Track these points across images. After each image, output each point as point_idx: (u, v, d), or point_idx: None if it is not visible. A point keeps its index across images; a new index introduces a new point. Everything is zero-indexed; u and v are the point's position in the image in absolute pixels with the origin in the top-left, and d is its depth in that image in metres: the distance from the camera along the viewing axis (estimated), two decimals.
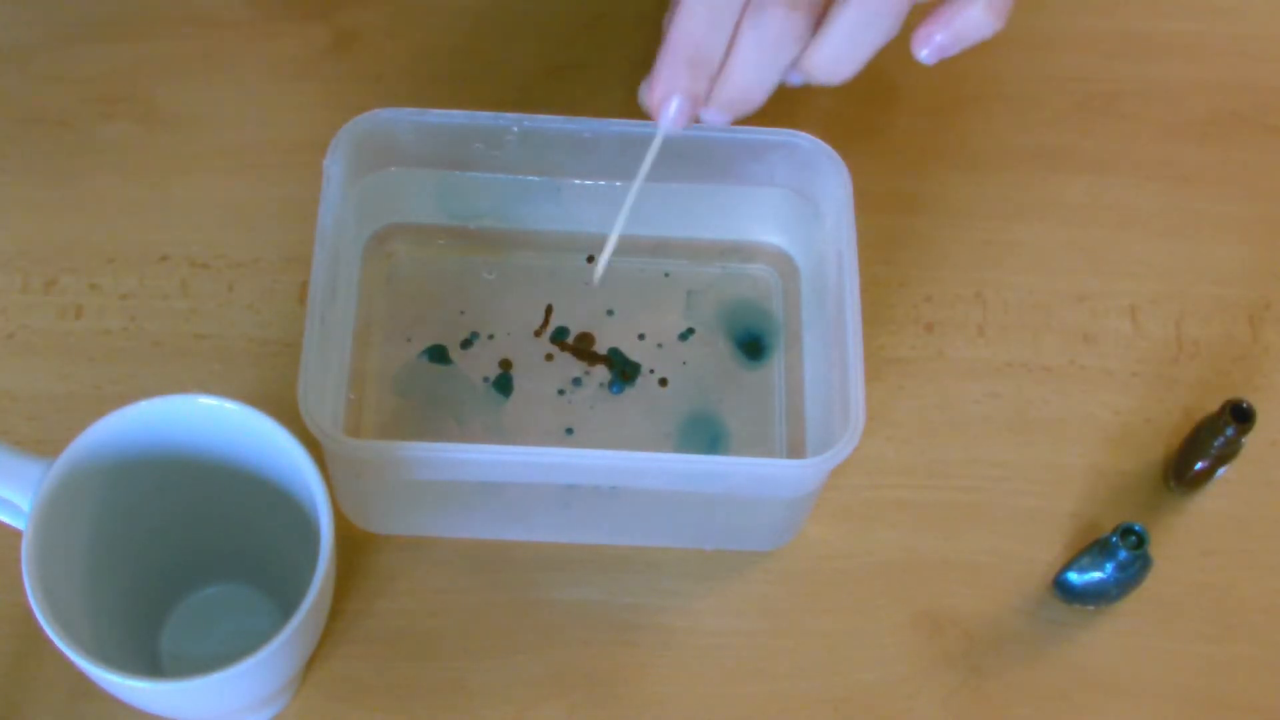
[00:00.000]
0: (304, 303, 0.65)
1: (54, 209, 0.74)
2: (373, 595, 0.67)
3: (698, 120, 0.57)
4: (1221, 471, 0.70)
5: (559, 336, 0.71)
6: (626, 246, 0.73)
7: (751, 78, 0.55)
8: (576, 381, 0.70)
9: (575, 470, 0.62)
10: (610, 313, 0.72)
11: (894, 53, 0.83)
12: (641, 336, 0.72)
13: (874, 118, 0.79)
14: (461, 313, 0.72)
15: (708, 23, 0.54)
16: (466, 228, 0.73)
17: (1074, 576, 0.67)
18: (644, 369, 0.71)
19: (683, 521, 0.67)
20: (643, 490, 0.64)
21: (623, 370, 0.70)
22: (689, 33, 0.54)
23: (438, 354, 0.71)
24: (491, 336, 0.71)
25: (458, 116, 0.68)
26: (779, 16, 0.53)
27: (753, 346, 0.72)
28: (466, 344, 0.71)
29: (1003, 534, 0.69)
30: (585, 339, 0.71)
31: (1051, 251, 0.77)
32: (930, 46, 0.56)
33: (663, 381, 0.71)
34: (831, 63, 0.54)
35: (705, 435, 0.70)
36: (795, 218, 0.72)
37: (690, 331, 0.72)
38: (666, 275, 0.73)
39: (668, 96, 0.56)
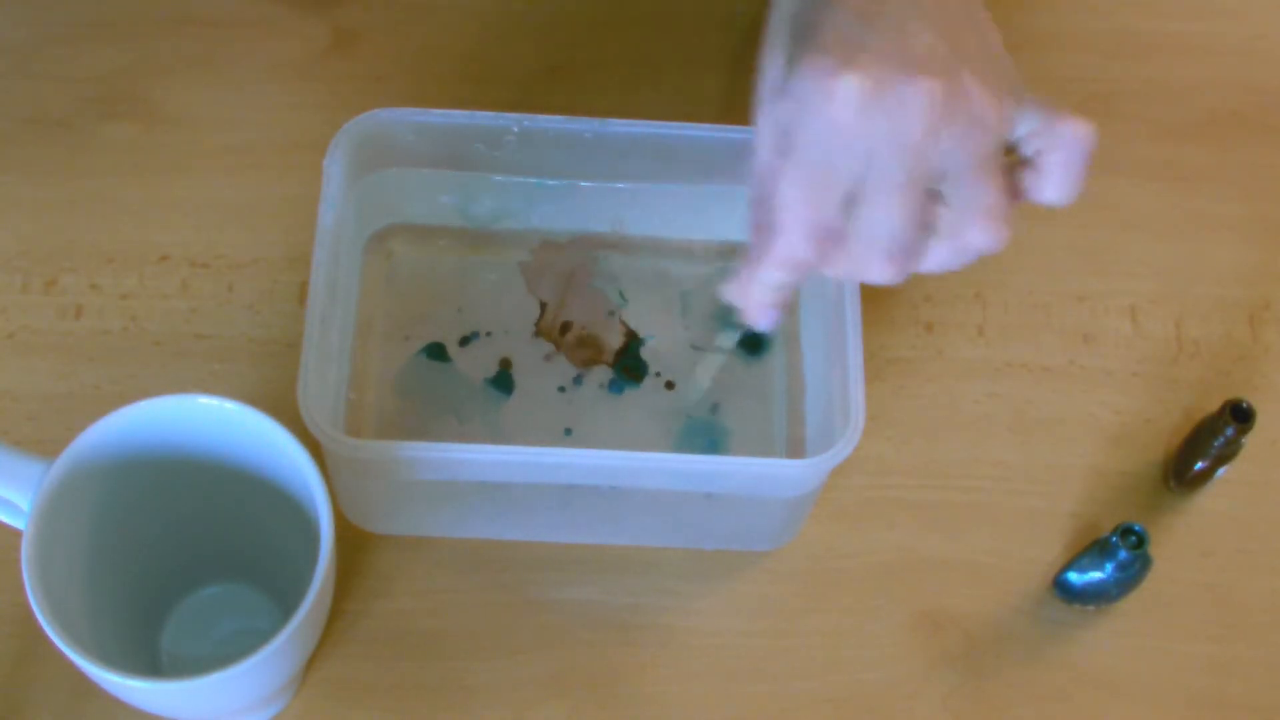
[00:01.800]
0: (304, 303, 0.65)
1: (54, 209, 0.74)
2: (372, 595, 0.67)
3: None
4: (1221, 471, 0.70)
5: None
6: (627, 246, 0.74)
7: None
8: (577, 380, 0.70)
9: (575, 470, 0.62)
10: (610, 313, 0.72)
11: None
12: (647, 339, 0.72)
13: None
14: (459, 310, 0.72)
15: (783, 279, 0.57)
16: (466, 228, 0.73)
17: (1074, 576, 0.67)
18: (645, 368, 0.71)
19: (683, 521, 0.67)
20: (643, 490, 0.64)
21: (625, 367, 0.70)
22: (766, 281, 0.58)
23: (436, 351, 0.71)
24: (489, 334, 0.71)
25: (458, 116, 0.68)
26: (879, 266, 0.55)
27: (754, 345, 0.72)
28: (465, 341, 0.71)
29: (1003, 534, 0.69)
30: (589, 340, 0.71)
31: (1051, 251, 0.77)
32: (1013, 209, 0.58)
33: (663, 382, 0.71)
34: (931, 272, 0.57)
35: (705, 435, 0.70)
36: None
37: (690, 332, 0.72)
38: (666, 275, 0.73)
39: (747, 309, 0.59)
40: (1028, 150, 0.56)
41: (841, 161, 0.54)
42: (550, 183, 0.71)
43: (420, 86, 0.78)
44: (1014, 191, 0.57)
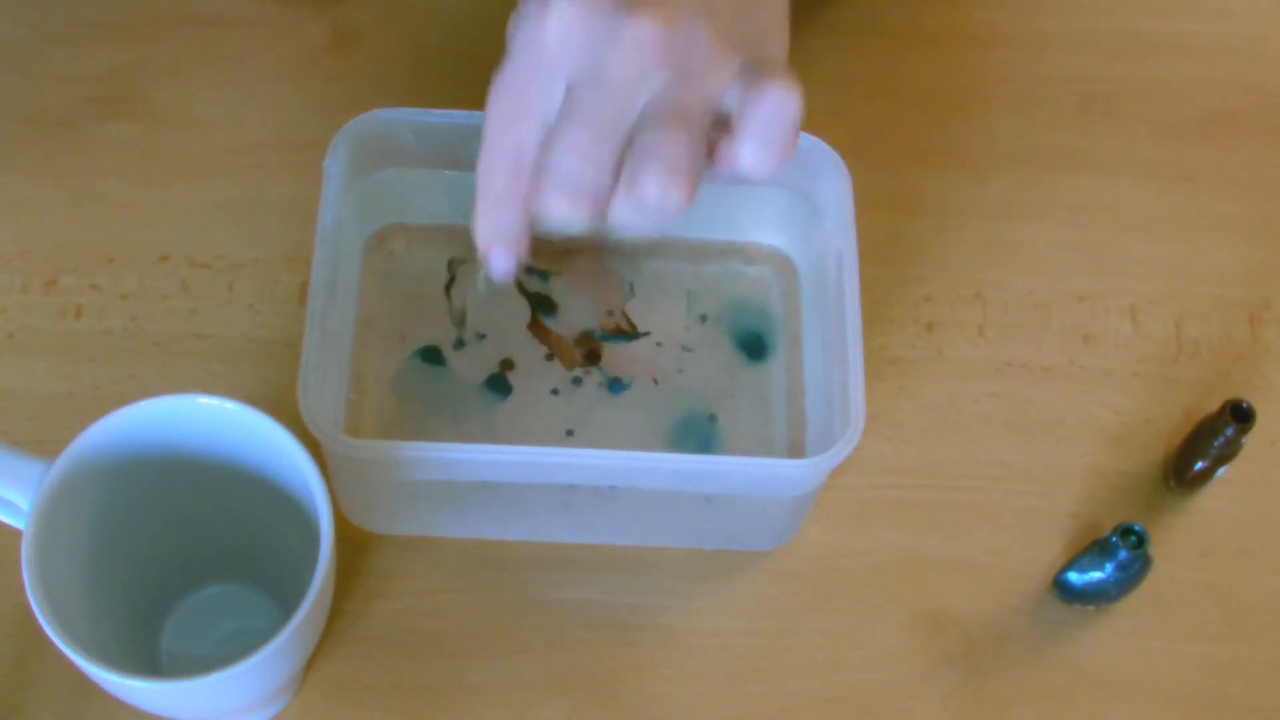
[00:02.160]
0: (304, 303, 0.65)
1: (54, 209, 0.74)
2: (372, 595, 0.67)
3: None
4: (1221, 471, 0.70)
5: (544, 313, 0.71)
6: (627, 246, 0.73)
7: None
8: (575, 381, 0.70)
9: (575, 470, 0.62)
10: (610, 314, 0.72)
11: (894, 52, 0.83)
12: (645, 334, 0.72)
13: (874, 118, 0.79)
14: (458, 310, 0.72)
15: (494, 211, 0.55)
16: (466, 228, 0.73)
17: (1074, 576, 0.67)
18: (644, 368, 0.71)
19: (683, 521, 0.67)
20: (643, 490, 0.64)
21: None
22: (482, 213, 0.55)
23: (433, 352, 0.71)
24: (489, 335, 0.71)
25: (458, 116, 0.68)
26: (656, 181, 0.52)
27: (754, 345, 0.72)
28: (461, 345, 0.71)
29: (1003, 534, 0.69)
30: (586, 339, 0.71)
31: (1051, 251, 0.77)
32: (717, 176, 0.54)
33: (660, 382, 0.71)
34: (621, 228, 0.54)
35: (705, 435, 0.70)
36: (795, 218, 0.72)
37: (691, 332, 0.72)
38: (667, 275, 0.73)
39: (485, 251, 0.56)
40: (731, 112, 0.53)
41: (538, 87, 0.52)
42: None
43: (420, 86, 0.78)
44: (712, 155, 0.53)
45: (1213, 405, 0.70)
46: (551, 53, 0.51)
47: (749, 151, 0.53)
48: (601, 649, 0.66)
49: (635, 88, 0.51)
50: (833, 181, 0.67)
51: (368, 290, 0.72)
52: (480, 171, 0.54)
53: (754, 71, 0.52)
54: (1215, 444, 0.68)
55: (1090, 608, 0.67)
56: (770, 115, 0.52)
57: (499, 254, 0.56)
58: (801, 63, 0.80)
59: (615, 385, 0.70)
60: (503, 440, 0.68)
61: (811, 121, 0.64)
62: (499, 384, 0.70)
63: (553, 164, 0.52)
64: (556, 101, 0.52)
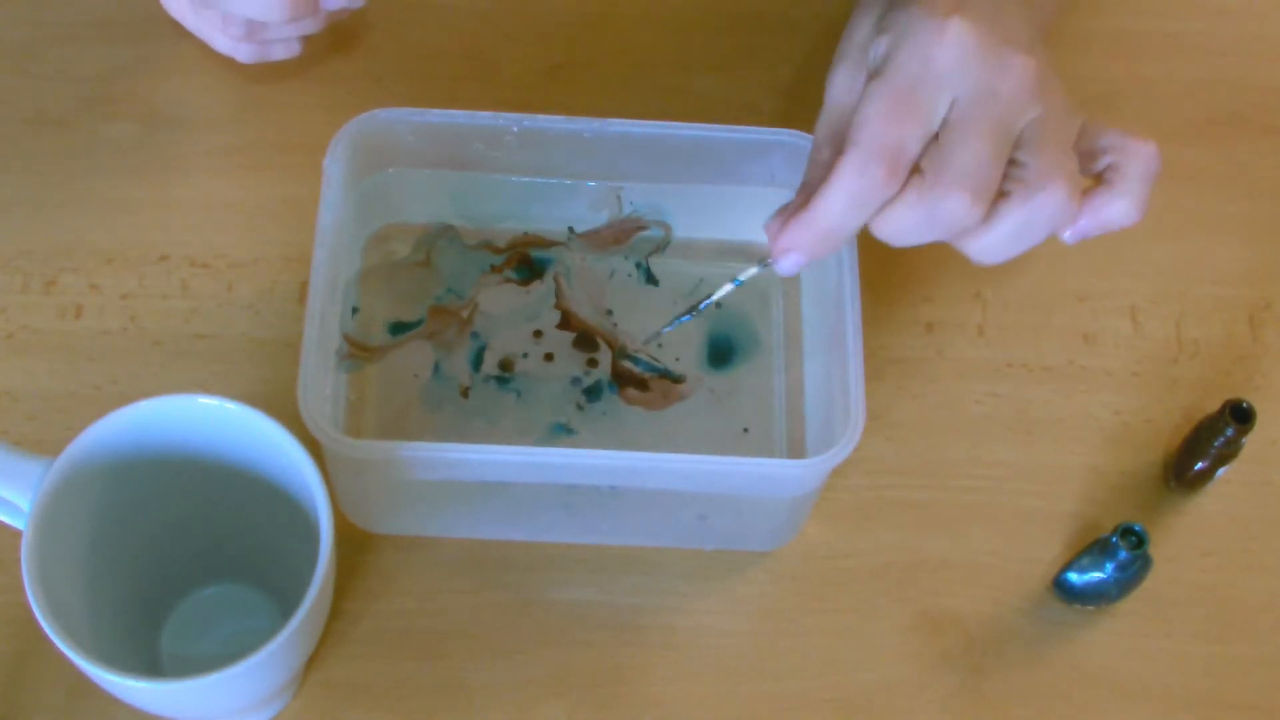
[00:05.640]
0: (304, 303, 0.65)
1: (54, 209, 0.74)
2: (372, 595, 0.67)
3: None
4: (1221, 471, 0.70)
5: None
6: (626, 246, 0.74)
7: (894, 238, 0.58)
8: (576, 381, 0.70)
9: (575, 470, 0.62)
10: (610, 312, 0.72)
11: None
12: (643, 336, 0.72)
13: None
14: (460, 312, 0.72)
15: (847, 211, 0.57)
16: (466, 228, 0.73)
17: (1074, 576, 0.67)
18: (643, 366, 0.71)
19: (683, 521, 0.67)
20: (643, 490, 0.64)
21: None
22: (828, 212, 0.57)
23: (435, 351, 0.71)
24: (489, 334, 0.71)
25: (458, 116, 0.68)
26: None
27: (755, 345, 0.71)
28: (463, 343, 0.71)
29: (1003, 534, 0.69)
30: (586, 337, 0.71)
31: (1051, 251, 0.76)
32: (1074, 230, 0.59)
33: (662, 380, 0.71)
34: (987, 252, 0.58)
35: (704, 434, 0.70)
36: None
37: (691, 331, 0.72)
38: (667, 275, 0.73)
39: (787, 252, 0.59)
40: (1100, 166, 0.57)
41: (932, 94, 0.55)
42: (550, 182, 0.71)
43: (420, 86, 0.78)
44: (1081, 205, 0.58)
45: (1213, 405, 0.70)
46: (946, 67, 0.55)
47: (1124, 204, 0.58)
48: (601, 649, 0.66)
49: (1021, 110, 0.55)
50: None
51: (368, 290, 0.72)
52: (850, 165, 0.56)
53: (1106, 129, 0.57)
54: (1215, 444, 0.68)
55: (1090, 608, 0.67)
56: (1144, 171, 0.57)
57: (796, 260, 0.59)
58: (804, 63, 0.80)
59: (615, 384, 0.70)
60: (502, 440, 0.68)
61: (811, 121, 0.64)
62: (501, 382, 0.70)
63: (951, 160, 0.55)
64: (941, 113, 0.55)
